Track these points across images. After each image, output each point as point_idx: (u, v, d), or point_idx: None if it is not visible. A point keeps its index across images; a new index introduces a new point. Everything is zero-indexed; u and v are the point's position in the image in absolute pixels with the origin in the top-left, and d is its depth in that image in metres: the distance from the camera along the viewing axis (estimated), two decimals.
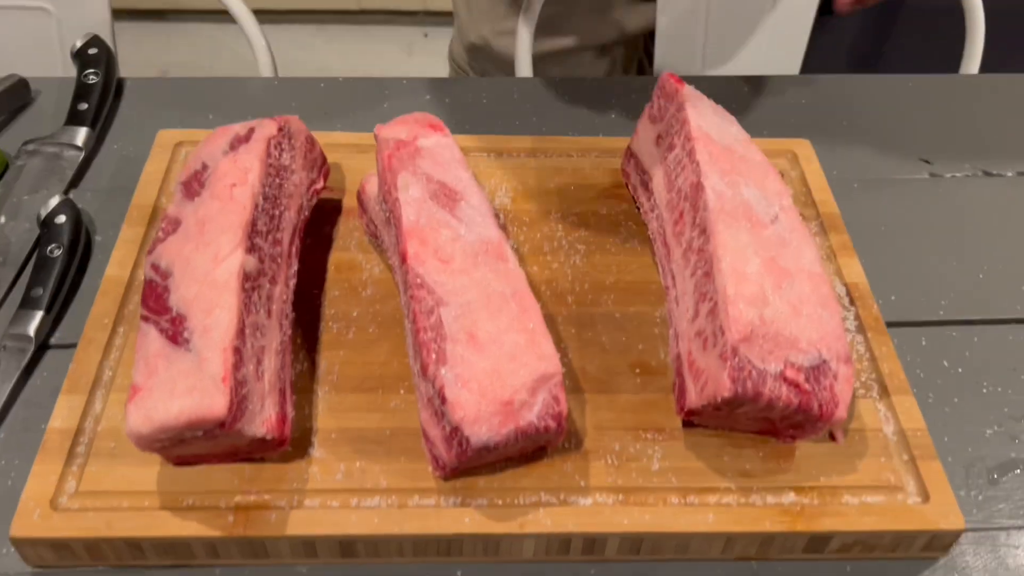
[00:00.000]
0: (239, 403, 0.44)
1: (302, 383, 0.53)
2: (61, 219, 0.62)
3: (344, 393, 0.53)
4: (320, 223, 0.62)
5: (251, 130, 0.56)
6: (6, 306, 0.60)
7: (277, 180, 0.55)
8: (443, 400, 0.45)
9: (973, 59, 0.95)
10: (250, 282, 0.48)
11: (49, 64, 0.86)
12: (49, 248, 0.61)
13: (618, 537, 0.48)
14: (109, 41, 0.83)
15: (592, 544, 0.48)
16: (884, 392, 0.55)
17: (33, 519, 0.46)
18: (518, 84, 0.83)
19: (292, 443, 0.49)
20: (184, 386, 0.44)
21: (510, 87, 0.81)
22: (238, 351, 0.45)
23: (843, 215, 0.68)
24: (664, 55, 0.96)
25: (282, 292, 0.52)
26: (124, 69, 0.79)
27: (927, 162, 0.76)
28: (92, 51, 0.76)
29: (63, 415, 0.51)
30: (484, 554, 0.49)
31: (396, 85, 0.80)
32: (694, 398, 0.49)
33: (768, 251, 0.51)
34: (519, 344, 0.47)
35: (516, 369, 0.46)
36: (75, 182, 0.69)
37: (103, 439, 0.50)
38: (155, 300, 0.48)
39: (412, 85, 0.80)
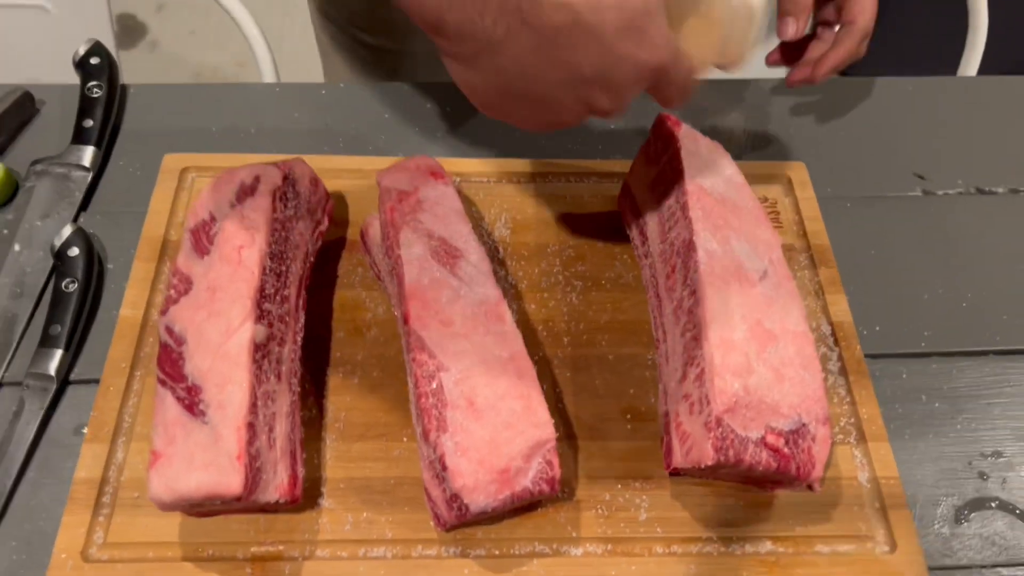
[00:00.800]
0: (253, 477, 0.47)
1: (311, 431, 0.56)
2: (74, 251, 0.64)
3: (351, 441, 0.56)
4: (325, 257, 0.64)
5: (256, 179, 0.57)
6: (26, 338, 0.63)
7: (283, 234, 0.57)
8: (444, 467, 0.49)
9: (973, 60, 0.94)
10: (260, 351, 0.51)
11: (48, 62, 0.86)
12: (64, 283, 0.63)
13: None
14: (110, 40, 0.83)
15: None
16: (861, 438, 0.58)
17: (67, 571, 0.50)
18: None
19: (303, 493, 0.53)
20: (202, 460, 0.47)
21: None
22: (251, 427, 0.48)
23: (835, 238, 0.69)
24: None
25: (291, 351, 0.55)
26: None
27: (921, 177, 0.77)
28: (94, 60, 0.76)
29: (87, 465, 0.54)
30: None
31: (397, 91, 0.80)
32: (680, 459, 0.52)
33: (755, 313, 0.54)
34: (515, 411, 0.50)
35: (512, 437, 0.49)
36: (84, 204, 0.70)
37: (126, 489, 0.53)
38: (171, 366, 0.50)
39: (412, 90, 0.80)
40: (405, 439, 0.56)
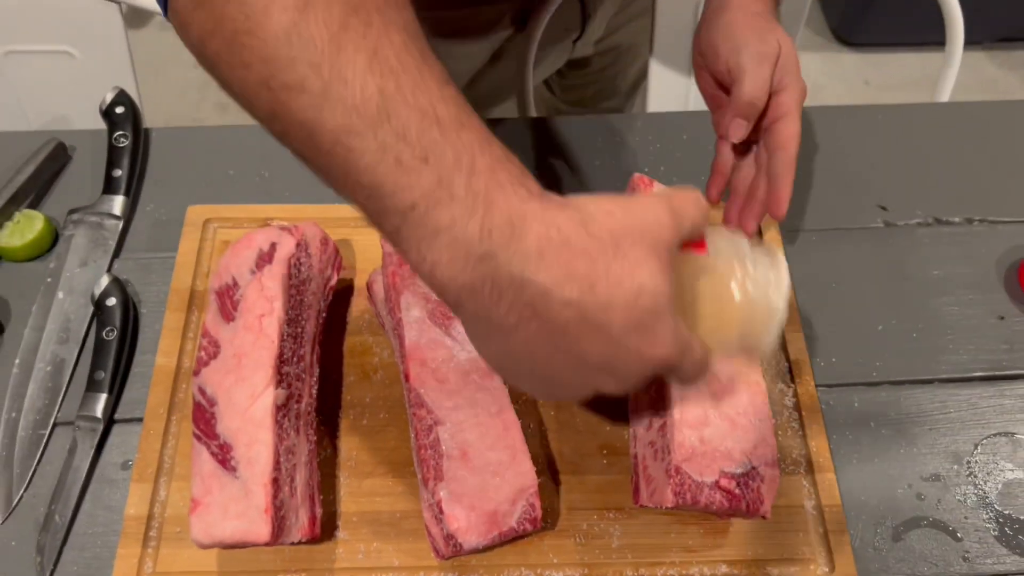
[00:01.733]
0: (279, 525, 0.56)
1: (327, 468, 0.65)
2: (112, 301, 0.72)
3: (361, 478, 0.64)
4: (335, 302, 0.72)
5: (272, 247, 0.65)
6: (73, 382, 0.71)
7: (298, 297, 0.64)
8: (441, 511, 0.57)
9: (946, 84, 0.99)
10: (281, 411, 0.59)
11: (76, 105, 0.92)
12: (105, 331, 0.71)
13: None
14: (132, 86, 0.89)
15: None
16: (810, 469, 0.66)
17: None
18: (519, 125, 0.89)
19: (322, 526, 0.61)
20: (235, 511, 0.55)
21: (512, 129, 0.87)
22: (276, 482, 0.56)
23: (798, 272, 0.76)
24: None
25: (307, 404, 0.63)
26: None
27: (884, 208, 0.83)
28: (119, 109, 0.83)
29: (135, 503, 0.63)
30: None
31: None
32: (645, 499, 0.60)
33: (713, 369, 0.61)
34: (502, 461, 0.58)
35: (500, 485, 0.58)
36: (117, 251, 0.78)
37: (170, 524, 0.62)
38: (205, 424, 0.59)
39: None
40: (408, 476, 0.64)
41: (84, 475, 0.66)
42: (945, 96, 1.00)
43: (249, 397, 0.58)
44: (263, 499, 0.55)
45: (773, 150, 0.68)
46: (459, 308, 0.43)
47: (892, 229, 0.82)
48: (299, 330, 0.63)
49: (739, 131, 0.67)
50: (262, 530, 0.55)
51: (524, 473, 0.58)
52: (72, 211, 0.79)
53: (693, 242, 0.47)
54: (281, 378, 0.60)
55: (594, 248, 0.41)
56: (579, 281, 0.40)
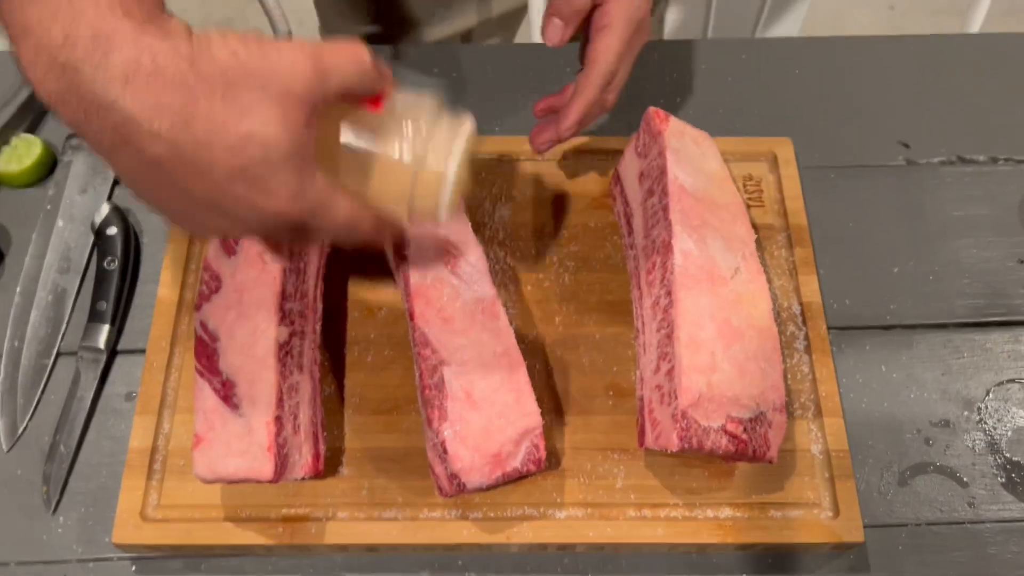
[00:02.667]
0: (282, 462, 0.55)
1: (331, 404, 0.64)
2: (113, 231, 0.71)
3: (366, 415, 0.64)
4: None
5: None
6: (75, 311, 0.70)
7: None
8: (445, 451, 0.56)
9: (979, 8, 0.95)
10: (284, 349, 0.58)
11: None
12: (106, 261, 0.70)
13: (585, 543, 0.61)
14: None
15: (565, 545, 0.61)
16: (818, 413, 0.65)
17: (129, 528, 0.59)
18: (525, 52, 0.86)
19: (326, 462, 0.61)
20: (238, 448, 0.55)
21: (517, 55, 0.84)
22: (279, 420, 0.56)
23: (816, 210, 0.74)
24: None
25: (311, 341, 0.62)
26: None
27: (906, 146, 0.81)
28: None
29: (139, 435, 0.62)
30: (480, 550, 0.62)
31: (406, 52, 0.83)
32: (650, 442, 0.60)
33: (724, 311, 0.60)
34: (507, 403, 0.58)
35: (504, 426, 0.57)
36: (117, 179, 0.76)
37: (174, 457, 0.62)
38: (207, 359, 0.58)
39: (423, 52, 0.84)
40: (413, 413, 0.64)
41: (88, 406, 0.66)
42: (976, 26, 0.96)
43: (251, 334, 0.57)
44: (266, 437, 0.55)
45: (584, 64, 0.62)
46: (59, 116, 0.41)
47: (913, 167, 0.79)
48: (302, 265, 0.62)
49: (552, 32, 0.62)
50: (265, 468, 0.54)
51: (529, 414, 0.58)
52: (71, 136, 0.77)
53: (368, 98, 0.45)
54: (284, 315, 0.59)
55: (196, 84, 0.39)
56: (170, 115, 0.39)
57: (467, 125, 0.48)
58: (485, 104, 0.80)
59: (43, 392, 0.67)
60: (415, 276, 0.61)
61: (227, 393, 0.57)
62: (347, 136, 0.46)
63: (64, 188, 0.75)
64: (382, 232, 0.48)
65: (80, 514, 0.63)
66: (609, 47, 0.61)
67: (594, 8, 0.62)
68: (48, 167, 0.76)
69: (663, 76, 0.84)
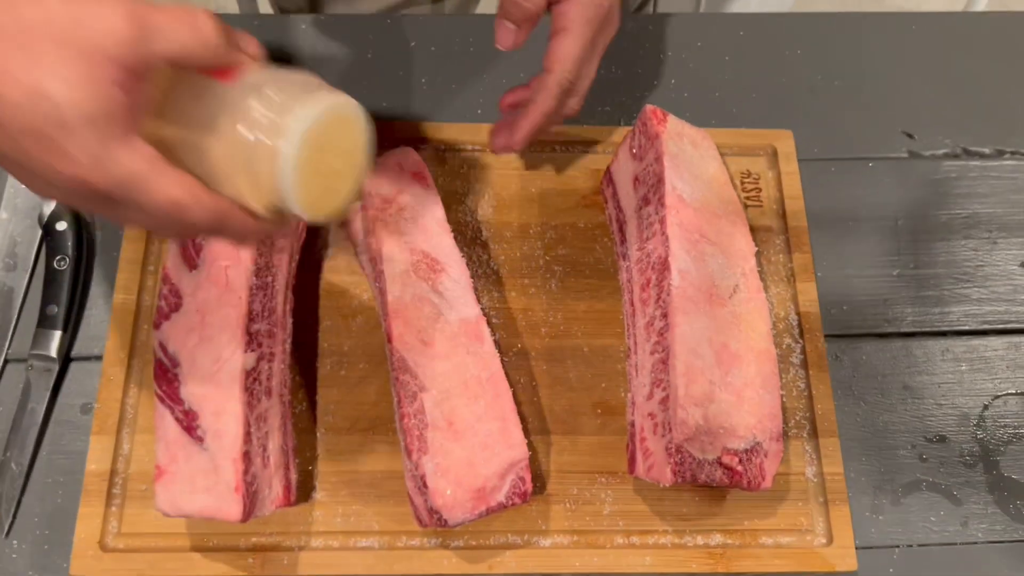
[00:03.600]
0: (250, 501, 0.52)
1: (302, 422, 0.60)
2: (62, 226, 0.65)
3: (340, 434, 0.60)
4: (310, 237, 0.65)
5: None
6: (25, 312, 0.65)
7: (268, 240, 0.58)
8: (425, 485, 0.53)
9: None
10: (251, 376, 0.54)
11: None
12: (56, 260, 0.64)
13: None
14: None
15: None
16: (813, 433, 0.62)
17: (88, 559, 0.56)
18: None
19: (297, 486, 0.58)
20: (203, 484, 0.51)
21: None
22: (247, 456, 0.52)
23: (813, 208, 0.70)
24: None
25: (280, 362, 0.57)
26: None
27: (910, 136, 0.77)
28: None
29: (97, 457, 0.58)
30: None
31: (379, 24, 0.77)
32: (642, 473, 0.57)
33: (722, 335, 0.56)
34: (492, 433, 0.54)
35: (489, 458, 0.54)
36: None
37: (135, 481, 0.58)
38: (167, 385, 0.54)
39: (400, 23, 0.77)
40: (390, 433, 0.60)
41: (40, 419, 0.61)
42: (983, 3, 0.91)
43: (215, 361, 0.53)
44: (233, 476, 0.51)
45: (543, 69, 0.58)
46: None
47: (916, 162, 0.75)
48: (270, 279, 0.57)
49: (503, 36, 0.57)
50: (233, 509, 0.51)
51: (514, 445, 0.54)
52: None
53: (219, 69, 0.40)
54: (250, 338, 0.54)
55: None
56: None
57: (330, 100, 0.40)
58: (467, 83, 0.74)
59: None
60: (392, 293, 0.56)
61: (190, 424, 0.53)
62: (185, 107, 0.40)
63: (7, 176, 0.69)
64: (226, 225, 0.41)
65: (35, 537, 0.59)
66: (567, 54, 0.56)
67: (551, 7, 0.56)
68: None
69: (656, 54, 0.78)
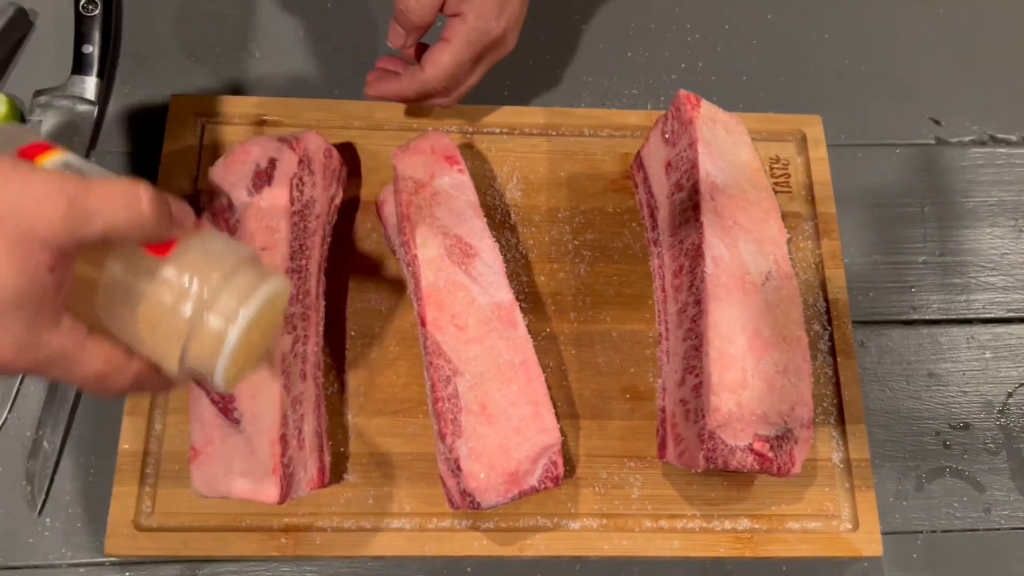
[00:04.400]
0: (287, 483, 0.52)
1: (333, 404, 0.61)
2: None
3: (370, 416, 0.60)
4: (339, 220, 0.65)
5: (272, 164, 0.58)
6: None
7: (302, 224, 0.58)
8: (459, 468, 0.54)
9: None
10: (287, 359, 0.54)
11: None
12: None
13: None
14: None
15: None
16: (840, 419, 0.63)
17: (122, 538, 0.56)
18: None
19: (330, 466, 0.58)
20: (240, 467, 0.52)
21: None
22: (284, 439, 0.52)
23: (841, 193, 0.70)
24: None
25: (314, 345, 0.58)
26: None
27: (937, 123, 0.76)
28: None
29: (129, 437, 0.59)
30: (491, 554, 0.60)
31: None
32: (673, 458, 0.57)
33: (754, 322, 0.56)
34: (524, 417, 0.54)
35: (521, 442, 0.54)
36: (92, 142, 0.70)
37: (167, 462, 0.59)
38: None
39: None
40: (420, 415, 0.61)
41: (72, 398, 0.62)
42: None
43: None
44: (270, 459, 0.51)
45: (420, 64, 0.62)
46: None
47: (943, 148, 0.75)
48: (303, 262, 0.57)
49: (393, 37, 0.62)
50: (270, 491, 0.51)
51: (547, 430, 0.55)
52: (39, 92, 0.70)
53: (153, 244, 0.39)
54: (285, 321, 0.55)
55: None
56: None
57: (271, 285, 0.41)
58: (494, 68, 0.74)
59: (21, 382, 0.62)
60: (427, 277, 0.56)
61: (226, 406, 0.53)
62: (117, 276, 0.39)
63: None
64: (144, 387, 0.42)
65: (68, 515, 0.59)
66: (439, 62, 0.60)
67: (448, 13, 0.60)
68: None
69: (683, 36, 0.78)
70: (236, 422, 0.53)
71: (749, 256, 0.58)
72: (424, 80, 0.61)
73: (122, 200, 0.37)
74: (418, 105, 0.67)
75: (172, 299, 0.39)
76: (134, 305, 0.39)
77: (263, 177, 0.57)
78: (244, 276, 0.40)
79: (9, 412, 0.62)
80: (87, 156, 0.69)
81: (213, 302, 0.39)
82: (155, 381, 0.42)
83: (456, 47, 0.60)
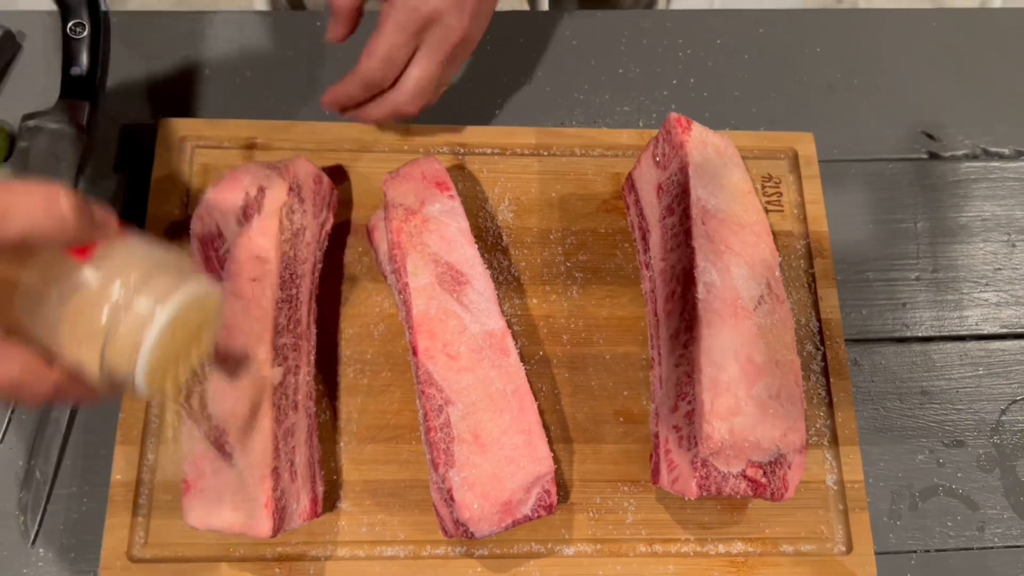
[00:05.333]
0: (279, 516, 0.52)
1: (326, 431, 0.61)
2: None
3: (363, 443, 0.60)
4: (329, 245, 0.65)
5: (261, 192, 0.57)
6: None
7: (292, 252, 0.57)
8: (452, 499, 0.54)
9: None
10: (278, 391, 0.54)
11: None
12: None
13: None
14: None
15: None
16: (834, 441, 0.63)
17: (116, 570, 0.56)
18: (527, 19, 0.79)
19: (323, 496, 0.58)
20: (232, 500, 0.52)
21: (520, 23, 0.77)
22: (275, 472, 0.52)
23: (833, 211, 0.70)
24: None
25: (306, 374, 0.57)
26: None
27: (931, 137, 0.76)
28: None
29: (122, 468, 0.59)
30: None
31: None
32: (666, 485, 0.57)
33: (747, 347, 0.56)
34: (517, 446, 0.54)
35: (514, 472, 0.54)
36: (81, 166, 0.69)
37: (160, 492, 0.58)
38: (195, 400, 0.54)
39: None
40: (414, 442, 0.61)
41: (64, 427, 0.62)
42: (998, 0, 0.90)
43: (241, 378, 0.53)
44: (262, 493, 0.51)
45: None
46: None
47: (936, 163, 0.75)
48: (294, 291, 0.57)
49: (332, 28, 0.62)
50: (263, 526, 0.51)
51: (540, 459, 0.55)
52: (27, 116, 0.69)
53: (74, 247, 0.39)
54: (276, 352, 0.54)
55: None
56: None
57: (192, 287, 0.41)
58: (484, 84, 0.74)
59: (12, 412, 0.62)
60: (418, 306, 0.56)
61: (219, 440, 0.53)
62: (39, 281, 0.39)
63: (22, 176, 0.68)
64: (64, 396, 0.42)
65: (61, 545, 0.59)
66: (371, 49, 0.60)
67: None
68: (5, 150, 0.69)
69: (675, 52, 0.77)
70: (228, 456, 0.52)
71: (741, 281, 0.58)
72: (364, 71, 0.60)
73: (41, 201, 0.37)
74: (397, 122, 0.67)
75: (91, 301, 0.39)
76: (54, 307, 0.39)
77: (253, 207, 0.57)
78: (164, 278, 0.40)
79: (0, 442, 0.61)
80: (76, 181, 0.69)
81: (130, 303, 0.39)
82: (76, 389, 0.41)
83: (386, 29, 0.59)
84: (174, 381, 0.42)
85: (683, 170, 0.59)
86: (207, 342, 0.44)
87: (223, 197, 0.58)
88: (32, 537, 0.59)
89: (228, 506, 0.52)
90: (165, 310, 0.39)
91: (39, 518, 0.60)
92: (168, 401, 0.45)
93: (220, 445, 0.53)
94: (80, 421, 0.62)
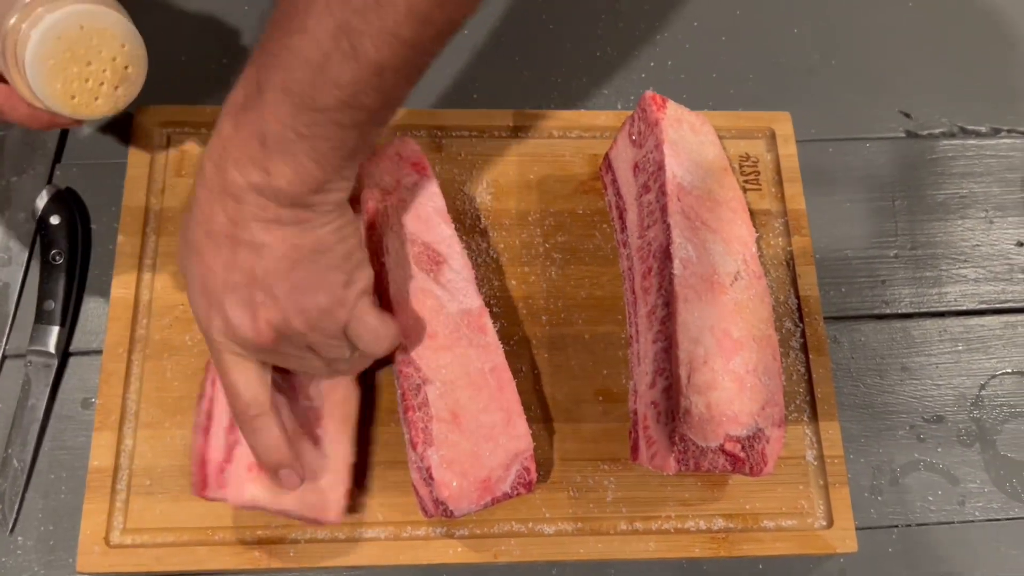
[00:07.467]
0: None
1: None
2: (56, 219, 0.65)
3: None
4: None
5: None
6: (22, 308, 0.64)
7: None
8: (431, 477, 0.53)
9: None
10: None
11: None
12: (51, 255, 0.64)
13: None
14: None
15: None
16: (813, 416, 0.63)
17: (94, 556, 0.56)
18: (502, 3, 0.79)
19: None
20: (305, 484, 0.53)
21: (496, 6, 0.77)
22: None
23: (811, 189, 0.70)
24: None
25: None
26: None
27: (907, 116, 0.76)
28: None
29: (99, 454, 0.58)
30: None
31: None
32: (645, 460, 0.57)
33: (724, 322, 0.56)
34: (496, 424, 0.54)
35: (493, 449, 0.54)
36: (58, 155, 0.69)
37: (139, 477, 0.58)
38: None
39: None
40: (392, 424, 0.61)
41: (41, 415, 0.61)
42: None
43: None
44: (345, 482, 0.55)
45: None
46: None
47: (913, 142, 0.75)
48: None
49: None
50: (334, 510, 0.54)
51: (519, 436, 0.54)
52: None
53: None
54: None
55: None
56: None
57: (82, 9, 0.51)
58: (461, 68, 0.74)
59: None
60: (394, 285, 0.56)
61: (310, 423, 0.55)
62: None
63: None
64: (6, 113, 0.53)
65: (40, 533, 0.59)
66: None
67: None
68: None
69: (652, 35, 0.78)
70: (318, 439, 0.55)
71: (717, 256, 0.58)
72: (262, 458, 0.51)
73: None
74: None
75: (13, 15, 0.50)
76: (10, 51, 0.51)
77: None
78: (52, 6, 0.50)
79: None
80: (52, 172, 0.68)
81: (29, 13, 0.50)
82: (16, 111, 0.53)
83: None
84: (100, 106, 0.54)
85: (658, 147, 0.59)
86: (126, 70, 0.54)
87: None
88: (11, 525, 0.59)
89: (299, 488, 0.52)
90: (37, 30, 0.50)
91: (17, 506, 0.59)
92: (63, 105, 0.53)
93: (311, 429, 0.53)
94: (56, 410, 0.62)
